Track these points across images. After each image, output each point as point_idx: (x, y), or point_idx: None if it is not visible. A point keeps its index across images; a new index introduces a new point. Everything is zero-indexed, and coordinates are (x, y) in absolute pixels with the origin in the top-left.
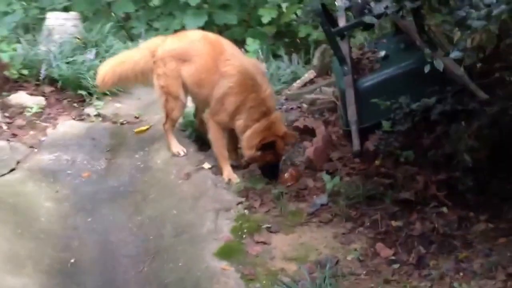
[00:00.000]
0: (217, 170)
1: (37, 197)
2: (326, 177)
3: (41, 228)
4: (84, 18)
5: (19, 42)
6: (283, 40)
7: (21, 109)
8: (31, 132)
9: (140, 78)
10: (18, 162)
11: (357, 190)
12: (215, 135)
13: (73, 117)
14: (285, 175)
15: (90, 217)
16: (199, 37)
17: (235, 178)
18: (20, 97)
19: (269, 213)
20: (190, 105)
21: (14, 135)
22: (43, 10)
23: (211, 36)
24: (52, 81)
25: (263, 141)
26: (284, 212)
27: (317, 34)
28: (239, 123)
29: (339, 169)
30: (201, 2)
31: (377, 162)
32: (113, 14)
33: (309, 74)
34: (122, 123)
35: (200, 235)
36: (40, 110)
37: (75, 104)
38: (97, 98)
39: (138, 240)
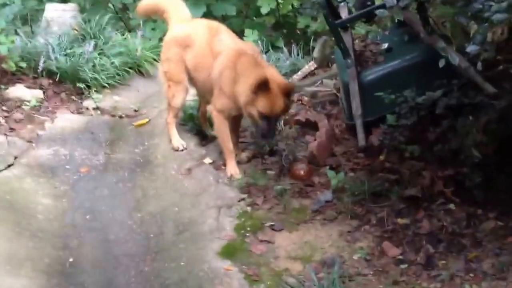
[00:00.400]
0: (218, 165)
1: (35, 194)
2: (330, 173)
3: (39, 226)
4: (82, 9)
5: (17, 34)
6: (282, 31)
7: (19, 103)
8: (29, 126)
9: None
10: (15, 158)
11: (362, 186)
12: (219, 127)
13: (72, 110)
14: (300, 171)
15: (89, 214)
16: (201, 24)
17: (237, 173)
18: (18, 90)
19: (272, 210)
20: (190, 98)
21: (12, 129)
22: (41, 1)
23: (213, 23)
24: (50, 74)
25: (257, 81)
26: (287, 209)
27: (316, 25)
28: (238, 88)
29: (343, 164)
30: None
31: (381, 157)
32: (111, 5)
33: (310, 66)
34: (121, 117)
35: (202, 233)
36: (38, 103)
37: (73, 97)
38: (96, 91)
39: (138, 238)
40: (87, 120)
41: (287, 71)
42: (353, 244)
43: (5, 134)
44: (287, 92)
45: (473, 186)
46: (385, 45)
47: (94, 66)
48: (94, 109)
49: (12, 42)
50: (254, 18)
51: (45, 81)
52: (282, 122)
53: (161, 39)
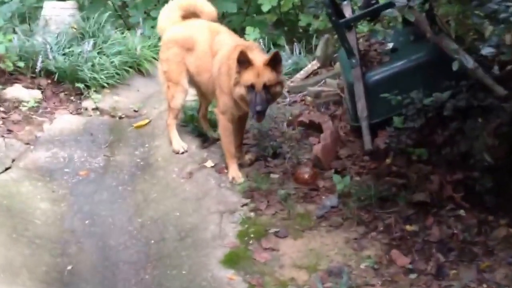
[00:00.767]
0: (220, 168)
1: (33, 198)
2: (336, 177)
3: (37, 232)
4: (81, 7)
5: (15, 32)
6: (283, 29)
7: (17, 103)
8: (27, 128)
9: None
10: (13, 160)
11: (368, 191)
12: (223, 131)
13: (71, 111)
14: (305, 174)
15: (88, 219)
16: (202, 26)
17: (240, 177)
18: (15, 91)
19: (276, 216)
20: (190, 99)
21: (10, 131)
22: None
23: (213, 25)
24: (48, 74)
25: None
26: (291, 214)
27: (318, 23)
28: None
29: (348, 168)
30: None
31: (388, 161)
32: (110, 2)
33: (312, 65)
34: (120, 117)
35: (204, 239)
36: (36, 104)
37: (72, 97)
38: (95, 91)
39: (139, 244)
40: (86, 121)
41: (290, 70)
42: (360, 252)
43: (3, 136)
44: (272, 62)
45: (484, 191)
46: (390, 45)
47: (93, 65)
48: (93, 109)
49: (10, 40)
50: (255, 16)
51: (43, 81)
52: (285, 124)
53: (160, 38)
